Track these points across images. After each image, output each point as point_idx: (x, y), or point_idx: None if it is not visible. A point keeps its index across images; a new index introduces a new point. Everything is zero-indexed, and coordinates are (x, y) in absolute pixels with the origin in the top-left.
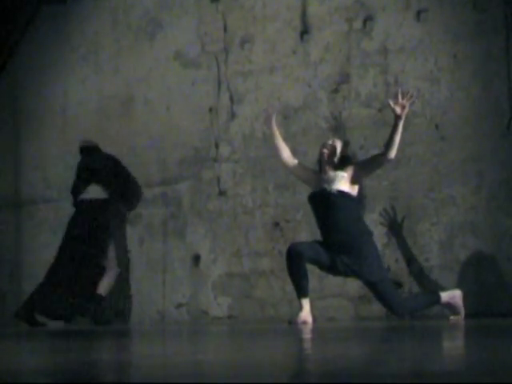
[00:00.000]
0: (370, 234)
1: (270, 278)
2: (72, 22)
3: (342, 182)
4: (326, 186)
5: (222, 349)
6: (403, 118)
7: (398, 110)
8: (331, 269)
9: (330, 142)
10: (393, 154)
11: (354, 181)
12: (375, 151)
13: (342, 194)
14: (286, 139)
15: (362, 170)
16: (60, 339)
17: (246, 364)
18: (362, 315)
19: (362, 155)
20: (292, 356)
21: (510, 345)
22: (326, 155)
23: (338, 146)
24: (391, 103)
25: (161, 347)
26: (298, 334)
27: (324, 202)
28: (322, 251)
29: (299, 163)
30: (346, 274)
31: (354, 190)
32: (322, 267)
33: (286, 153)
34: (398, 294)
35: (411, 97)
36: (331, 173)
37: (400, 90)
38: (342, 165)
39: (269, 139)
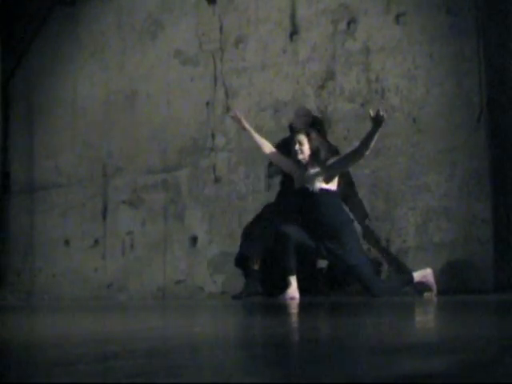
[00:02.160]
0: (351, 221)
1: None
2: (81, 22)
3: (322, 180)
4: (308, 185)
5: (217, 322)
6: (380, 127)
7: (376, 121)
8: (315, 253)
9: (301, 138)
10: (367, 152)
11: (332, 177)
12: (357, 142)
13: (323, 192)
14: (276, 131)
15: (338, 168)
16: (65, 313)
17: (238, 336)
18: (345, 291)
19: (345, 145)
20: (279, 329)
21: (478, 319)
22: (299, 154)
23: (305, 142)
24: (371, 113)
25: (161, 320)
26: (286, 308)
27: (307, 201)
28: (306, 236)
29: (282, 156)
30: (328, 258)
31: (333, 184)
32: (306, 251)
33: (267, 148)
34: (376, 277)
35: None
36: (311, 170)
37: (380, 109)
38: (319, 162)
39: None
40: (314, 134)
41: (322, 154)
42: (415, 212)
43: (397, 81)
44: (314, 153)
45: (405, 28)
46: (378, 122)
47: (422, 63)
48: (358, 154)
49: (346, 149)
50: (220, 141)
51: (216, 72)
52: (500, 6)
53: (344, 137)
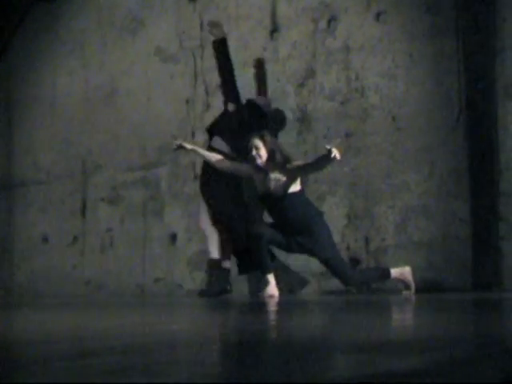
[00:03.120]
0: (321, 214)
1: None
2: (61, 19)
3: (284, 184)
4: (272, 190)
5: (195, 319)
6: (329, 163)
7: (331, 155)
8: (287, 248)
9: (256, 142)
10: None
11: (293, 180)
12: (338, 141)
13: (288, 195)
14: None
15: (298, 174)
16: (44, 311)
17: (215, 333)
18: (324, 289)
19: (324, 144)
20: (258, 326)
21: (456, 317)
22: (258, 159)
23: (261, 146)
24: (327, 147)
25: (139, 318)
26: (265, 306)
27: (273, 206)
28: (277, 233)
29: (237, 164)
30: (300, 252)
31: (297, 185)
32: (279, 247)
33: (218, 161)
34: (348, 268)
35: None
36: (272, 175)
37: (335, 149)
38: (275, 164)
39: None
40: (268, 137)
41: (278, 156)
42: (394, 210)
43: (377, 79)
44: (270, 155)
45: (385, 27)
46: (329, 158)
47: (401, 62)
48: (312, 169)
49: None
50: (200, 138)
51: (196, 69)
52: (480, 5)
53: (324, 135)
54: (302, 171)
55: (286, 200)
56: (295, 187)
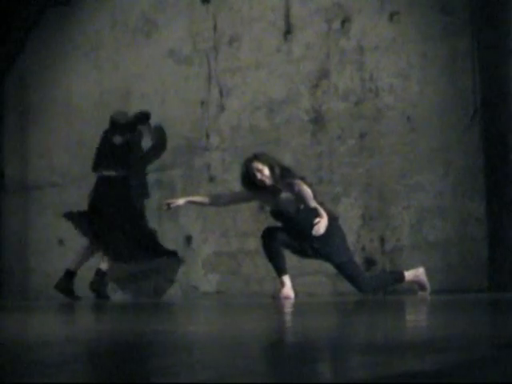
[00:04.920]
0: (335, 219)
1: (255, 256)
2: (74, 22)
3: (294, 201)
4: (282, 208)
5: (211, 321)
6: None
7: (314, 231)
8: (302, 253)
9: (257, 165)
10: None
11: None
12: (352, 142)
13: (301, 211)
14: (270, 130)
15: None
16: (54, 312)
17: (232, 335)
18: (339, 291)
19: (338, 145)
20: (274, 328)
21: (472, 318)
22: (266, 181)
23: (262, 166)
24: (315, 222)
25: (155, 319)
26: (281, 308)
27: (287, 220)
28: (292, 236)
29: (244, 193)
30: (315, 257)
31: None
32: (293, 250)
33: (223, 199)
34: (363, 274)
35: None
36: (283, 195)
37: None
38: (276, 178)
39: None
40: (259, 155)
41: (277, 170)
42: (409, 211)
43: (391, 80)
44: (271, 171)
45: (399, 27)
46: (313, 234)
47: (415, 62)
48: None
49: (340, 147)
50: (214, 140)
51: (210, 71)
52: (494, 4)
53: (338, 136)
54: (293, 192)
55: (299, 216)
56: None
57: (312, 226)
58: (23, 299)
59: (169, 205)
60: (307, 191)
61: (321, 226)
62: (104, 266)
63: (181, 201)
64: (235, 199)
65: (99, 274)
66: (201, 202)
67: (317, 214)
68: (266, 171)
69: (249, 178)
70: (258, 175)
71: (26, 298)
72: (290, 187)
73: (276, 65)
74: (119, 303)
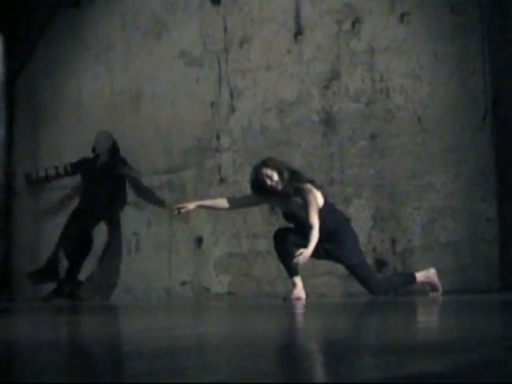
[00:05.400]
0: (348, 220)
1: (266, 257)
2: (85, 23)
3: (304, 205)
4: (294, 211)
5: (223, 322)
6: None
7: (295, 260)
8: (314, 254)
9: (266, 172)
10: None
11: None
12: (363, 142)
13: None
14: (280, 131)
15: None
16: (65, 314)
17: (243, 335)
18: (350, 292)
19: (349, 146)
20: (286, 328)
21: (484, 319)
22: (277, 187)
23: (271, 172)
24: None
25: (167, 321)
26: (292, 308)
27: (299, 224)
28: (304, 237)
29: (255, 197)
30: (327, 259)
31: (320, 202)
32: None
33: (233, 203)
34: (374, 276)
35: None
36: (296, 200)
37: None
38: (285, 181)
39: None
40: (268, 161)
41: (286, 174)
42: (421, 211)
43: (401, 80)
44: (280, 176)
45: (409, 27)
46: (296, 262)
47: (426, 63)
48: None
49: (351, 148)
50: (225, 141)
51: (221, 72)
52: (504, 4)
53: (349, 137)
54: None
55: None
56: (320, 202)
57: (325, 228)
58: (34, 301)
59: (179, 209)
60: (313, 204)
61: (302, 257)
62: (83, 276)
63: (191, 205)
64: (246, 203)
65: (78, 284)
66: (211, 205)
67: (305, 245)
68: (276, 177)
69: (258, 184)
70: (268, 182)
71: (37, 300)
72: (299, 193)
73: (286, 66)
74: (124, 305)
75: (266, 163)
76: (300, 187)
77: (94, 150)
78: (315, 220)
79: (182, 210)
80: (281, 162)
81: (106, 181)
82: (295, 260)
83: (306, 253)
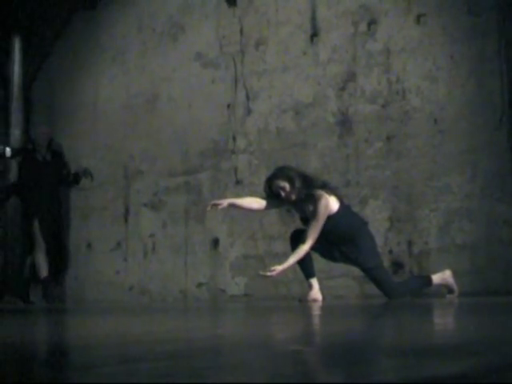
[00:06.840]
0: (365, 224)
1: (282, 259)
2: (102, 26)
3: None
4: (310, 216)
5: (239, 324)
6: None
7: (262, 272)
8: (330, 256)
9: (279, 184)
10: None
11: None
12: (380, 144)
13: (330, 221)
14: (296, 133)
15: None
16: (88, 316)
17: (260, 337)
18: (366, 293)
19: (366, 147)
20: (302, 330)
21: (501, 320)
22: (291, 198)
23: (283, 184)
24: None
25: (183, 322)
26: (308, 310)
27: None
28: (321, 240)
29: (270, 201)
30: (343, 262)
31: (333, 207)
32: (321, 254)
33: (255, 205)
34: (391, 279)
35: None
36: (309, 207)
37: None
38: (297, 190)
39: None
40: (278, 172)
41: (297, 183)
42: (437, 213)
43: (418, 82)
44: (291, 185)
45: (425, 29)
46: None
47: (443, 64)
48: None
49: (367, 150)
50: (241, 143)
51: (237, 74)
52: None
53: (365, 138)
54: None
55: (328, 225)
56: (333, 207)
57: (340, 231)
58: (51, 303)
59: (216, 206)
60: (319, 217)
61: (270, 273)
62: (44, 273)
63: (225, 202)
64: (272, 206)
65: (45, 281)
66: (240, 204)
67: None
68: (288, 187)
69: (273, 194)
70: (282, 194)
71: (54, 302)
72: (310, 200)
73: (302, 67)
74: (139, 307)
75: (276, 175)
76: (311, 194)
77: (33, 142)
78: (312, 236)
79: (219, 207)
80: (291, 168)
81: (48, 176)
82: (261, 272)
83: (277, 269)
